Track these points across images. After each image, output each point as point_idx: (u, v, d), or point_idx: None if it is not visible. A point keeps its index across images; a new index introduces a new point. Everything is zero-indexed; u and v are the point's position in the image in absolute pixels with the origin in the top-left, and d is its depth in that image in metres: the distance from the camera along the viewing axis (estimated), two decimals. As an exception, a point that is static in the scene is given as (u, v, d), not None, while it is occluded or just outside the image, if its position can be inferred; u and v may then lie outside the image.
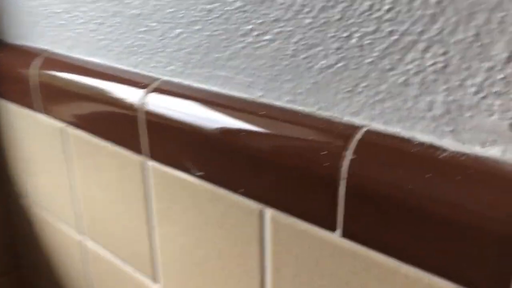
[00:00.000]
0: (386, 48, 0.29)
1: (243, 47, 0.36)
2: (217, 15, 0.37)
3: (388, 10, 0.28)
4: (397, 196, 0.28)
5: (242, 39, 0.36)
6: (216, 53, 0.38)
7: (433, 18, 0.26)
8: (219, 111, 0.38)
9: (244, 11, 0.35)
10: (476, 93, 0.26)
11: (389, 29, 0.28)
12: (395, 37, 0.28)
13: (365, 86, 0.30)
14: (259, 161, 0.35)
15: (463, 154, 0.27)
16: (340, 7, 0.30)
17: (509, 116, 0.25)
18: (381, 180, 0.29)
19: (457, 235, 0.26)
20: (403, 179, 0.28)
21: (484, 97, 0.26)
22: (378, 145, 0.30)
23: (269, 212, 0.35)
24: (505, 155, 0.26)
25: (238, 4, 0.35)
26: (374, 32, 0.29)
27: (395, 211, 0.28)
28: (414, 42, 0.27)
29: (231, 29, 0.36)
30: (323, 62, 0.32)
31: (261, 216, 0.36)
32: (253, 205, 0.36)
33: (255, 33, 0.35)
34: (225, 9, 0.36)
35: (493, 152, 0.26)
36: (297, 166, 0.32)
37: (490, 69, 0.25)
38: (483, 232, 0.25)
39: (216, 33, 0.38)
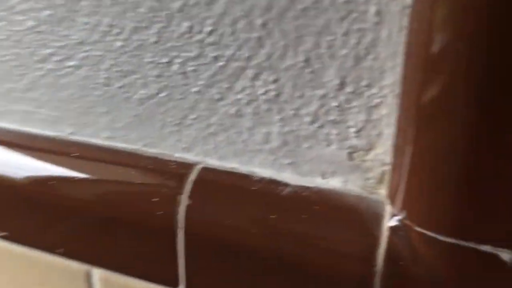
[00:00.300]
0: (213, 75, 0.25)
1: (43, 75, 0.29)
2: (4, 37, 0.29)
3: (210, 33, 0.24)
4: (242, 243, 0.25)
5: (40, 65, 0.29)
6: (9, 83, 0.31)
7: (260, 42, 0.23)
8: (20, 153, 0.31)
9: (39, 32, 0.28)
10: (312, 122, 0.24)
11: (214, 54, 0.25)
12: (221, 63, 0.25)
13: (195, 118, 0.26)
14: (77, 213, 0.29)
15: (306, 188, 0.24)
16: (155, 28, 0.25)
17: (347, 145, 0.24)
18: (223, 226, 0.25)
19: (310, 279, 0.24)
20: (246, 222, 0.25)
21: (320, 127, 0.24)
22: (216, 184, 0.26)
23: (98, 274, 0.29)
24: (346, 185, 0.24)
25: (30, 23, 0.28)
26: (197, 57, 0.25)
27: (243, 260, 0.25)
28: (243, 69, 0.24)
29: (25, 53, 0.29)
30: (142, 91, 0.27)
31: (88, 278, 0.30)
32: (77, 266, 0.30)
33: (56, 58, 0.29)
34: (13, 29, 0.29)
35: (334, 183, 0.25)
36: (125, 217, 0.27)
37: (324, 96, 0.23)
38: (341, 272, 0.23)
39: (5, 58, 0.30)
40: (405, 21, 0.21)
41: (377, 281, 0.22)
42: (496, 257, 0.20)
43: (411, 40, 0.20)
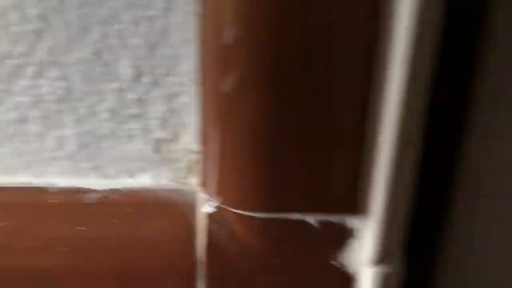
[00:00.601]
0: (-17, 77, 0.21)
1: None
2: None
3: (-27, 27, 0.20)
4: (48, 265, 0.22)
5: None
6: None
7: (39, 35, 0.21)
8: None
9: None
10: (111, 119, 0.22)
11: (-19, 52, 0.21)
12: (-7, 62, 0.21)
13: (-34, 131, 0.22)
14: None
15: (114, 191, 0.23)
16: None
17: (151, 138, 0.23)
18: (20, 251, 0.22)
19: (135, 285, 0.22)
20: (49, 242, 0.22)
21: (120, 123, 0.22)
22: (5, 205, 0.22)
23: None
24: (156, 181, 0.23)
25: None
26: (-41, 57, 0.21)
27: (53, 284, 0.22)
28: (20, 67, 0.21)
29: None
30: None
31: None
32: None
33: None
34: None
35: (144, 180, 0.23)
36: None
37: (120, 90, 0.22)
38: (164, 272, 0.22)
39: None
40: (196, 6, 0.20)
41: (202, 272, 0.21)
42: (304, 222, 0.21)
43: (204, 26, 0.20)
